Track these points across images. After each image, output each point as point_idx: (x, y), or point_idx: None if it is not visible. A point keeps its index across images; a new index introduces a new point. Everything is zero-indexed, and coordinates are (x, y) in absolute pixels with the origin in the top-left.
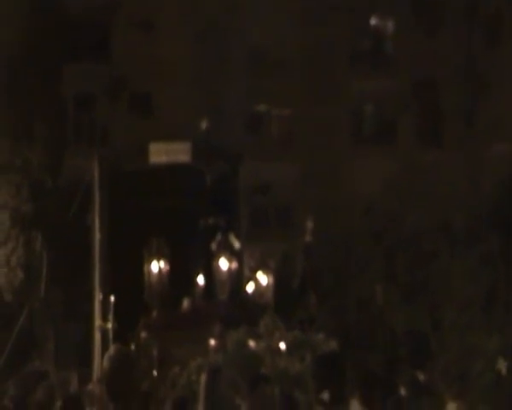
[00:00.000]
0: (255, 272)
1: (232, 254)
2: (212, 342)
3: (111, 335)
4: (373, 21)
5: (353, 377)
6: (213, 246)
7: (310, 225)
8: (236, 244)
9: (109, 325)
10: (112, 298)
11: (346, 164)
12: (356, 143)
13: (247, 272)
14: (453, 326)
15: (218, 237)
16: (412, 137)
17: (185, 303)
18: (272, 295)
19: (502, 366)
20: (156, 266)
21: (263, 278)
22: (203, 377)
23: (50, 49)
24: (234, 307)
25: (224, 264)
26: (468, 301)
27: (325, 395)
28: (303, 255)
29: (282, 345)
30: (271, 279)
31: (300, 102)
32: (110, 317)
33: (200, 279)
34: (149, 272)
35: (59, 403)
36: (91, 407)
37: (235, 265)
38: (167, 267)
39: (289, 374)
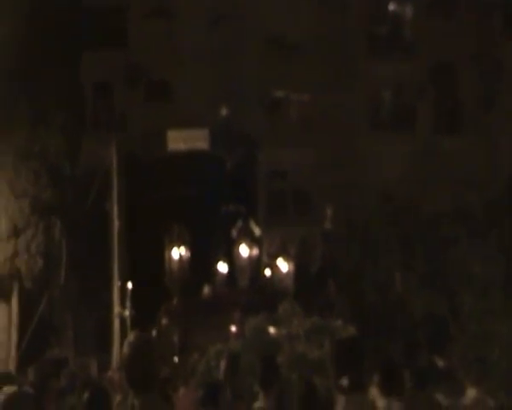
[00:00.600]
0: (275, 258)
1: (252, 240)
2: (233, 328)
3: (129, 321)
4: (391, 6)
5: (372, 363)
6: (234, 233)
7: (329, 212)
8: (257, 231)
9: (127, 312)
10: (129, 285)
11: (364, 149)
12: (374, 128)
13: (265, 259)
14: (471, 311)
15: (239, 223)
16: (430, 122)
17: (206, 290)
18: (292, 281)
19: None
20: (177, 252)
21: (283, 265)
22: (222, 363)
23: (68, 36)
24: (253, 293)
25: (244, 250)
26: (486, 286)
27: (344, 381)
28: (322, 242)
29: (301, 331)
30: (291, 266)
31: (318, 88)
32: (128, 304)
33: (221, 266)
34: (170, 258)
35: (85, 394)
36: (113, 393)
37: (255, 251)
38: (188, 254)
39: (308, 360)
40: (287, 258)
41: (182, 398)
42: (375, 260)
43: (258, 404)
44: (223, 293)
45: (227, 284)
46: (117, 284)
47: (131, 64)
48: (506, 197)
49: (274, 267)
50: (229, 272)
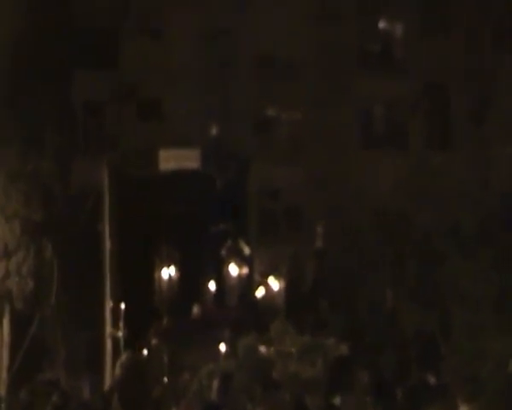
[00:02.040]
0: (266, 276)
1: (242, 259)
2: (223, 347)
3: (122, 342)
4: (381, 24)
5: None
6: (223, 252)
7: (320, 230)
8: (246, 250)
9: (120, 333)
10: (122, 305)
11: (356, 167)
12: (366, 145)
13: (256, 277)
14: (464, 328)
15: (228, 242)
16: (422, 138)
17: (195, 309)
18: (283, 299)
19: None
20: (166, 272)
21: (274, 283)
22: (215, 383)
23: (59, 56)
24: (244, 312)
25: (233, 270)
26: (478, 303)
27: (337, 400)
28: (314, 260)
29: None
30: (282, 284)
31: (310, 106)
32: (121, 324)
33: (211, 285)
34: (159, 278)
35: None
36: None
37: (245, 270)
38: (178, 274)
39: (300, 379)
40: (278, 276)
41: None
42: (368, 277)
43: None
44: (212, 312)
45: (217, 303)
46: (109, 304)
47: (122, 83)
48: (499, 213)
49: (265, 286)
50: (218, 291)
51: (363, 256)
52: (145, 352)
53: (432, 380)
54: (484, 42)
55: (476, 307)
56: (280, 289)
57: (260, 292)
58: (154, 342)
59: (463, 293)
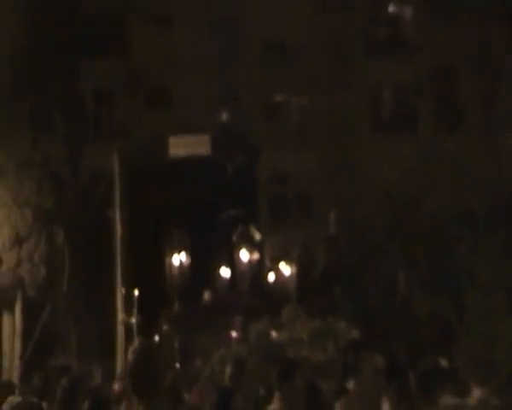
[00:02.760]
0: (277, 262)
1: (253, 245)
2: (234, 333)
3: (135, 329)
4: (390, 8)
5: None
6: (234, 238)
7: (332, 215)
8: (257, 236)
9: (133, 319)
10: (136, 292)
11: (366, 151)
12: (375, 130)
13: (267, 263)
14: (476, 312)
15: (239, 228)
16: (431, 123)
17: (206, 295)
18: (294, 285)
19: None
20: (177, 258)
21: (285, 269)
22: (228, 369)
23: (69, 45)
24: (255, 297)
25: (244, 255)
26: (490, 286)
27: (350, 384)
28: (326, 246)
29: (305, 335)
30: (294, 269)
31: (318, 90)
32: (134, 311)
33: (223, 271)
34: (170, 264)
35: (86, 403)
36: (118, 404)
37: (255, 256)
38: (188, 260)
39: (312, 363)
40: (289, 262)
41: (187, 403)
42: (379, 262)
43: (272, 407)
44: (223, 298)
45: (228, 288)
46: (120, 290)
47: (132, 71)
48: (510, 197)
49: (276, 271)
50: (229, 276)
51: (374, 242)
52: (156, 338)
53: (444, 364)
54: (493, 26)
55: (488, 290)
56: (291, 275)
57: (271, 277)
58: (165, 328)
59: (475, 277)
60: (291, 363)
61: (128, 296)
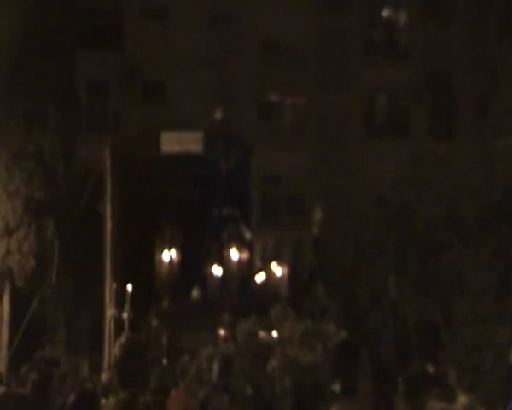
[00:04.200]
0: (269, 262)
1: (243, 244)
2: (221, 331)
3: (126, 323)
4: (386, 12)
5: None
6: (224, 236)
7: (317, 215)
8: (247, 234)
9: (125, 315)
10: (129, 288)
11: (358, 154)
12: (368, 133)
13: (259, 262)
14: (465, 318)
15: (230, 227)
16: (424, 127)
17: (195, 292)
18: (286, 285)
19: None
20: (167, 255)
21: (277, 269)
22: (215, 366)
23: (64, 36)
24: (244, 296)
25: (234, 254)
26: (479, 293)
27: (336, 386)
28: (312, 246)
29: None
30: (285, 270)
31: (313, 92)
32: (126, 306)
33: (215, 269)
34: (160, 260)
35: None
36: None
37: (245, 255)
38: (179, 256)
39: (300, 364)
40: (280, 262)
41: (173, 400)
42: (369, 265)
43: None
44: (212, 296)
45: (217, 286)
46: (110, 284)
47: (127, 65)
48: (501, 203)
49: (268, 271)
50: (219, 275)
51: (364, 244)
52: (145, 334)
53: (432, 369)
54: (488, 30)
55: (477, 297)
56: (282, 275)
57: (262, 277)
58: (154, 323)
59: (465, 283)
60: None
61: (119, 291)
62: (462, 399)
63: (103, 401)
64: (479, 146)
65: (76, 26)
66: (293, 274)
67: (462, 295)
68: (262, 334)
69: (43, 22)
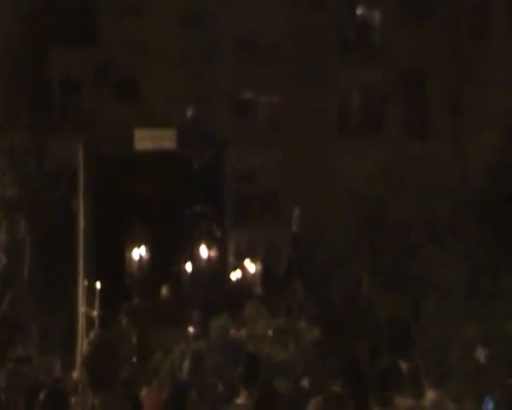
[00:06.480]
0: (242, 259)
1: (213, 241)
2: (191, 329)
3: (97, 322)
4: (359, 11)
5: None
6: (195, 234)
7: (296, 214)
8: (217, 232)
9: (95, 312)
10: (98, 285)
11: (333, 153)
12: (342, 132)
13: (232, 259)
14: (434, 315)
15: (201, 224)
16: (398, 126)
17: (165, 290)
18: (259, 282)
19: (480, 354)
20: (137, 253)
21: (251, 266)
22: (186, 364)
23: (36, 33)
24: (214, 294)
25: (203, 251)
26: (449, 291)
27: (305, 382)
28: (289, 244)
29: (270, 332)
30: (259, 267)
31: (287, 90)
32: (96, 304)
33: (188, 267)
34: (130, 258)
35: (41, 395)
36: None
37: (215, 252)
38: (149, 254)
39: (273, 362)
40: (254, 259)
41: (145, 398)
42: (342, 263)
43: (239, 401)
44: (182, 293)
45: (188, 284)
46: (83, 282)
47: (100, 62)
48: (473, 202)
49: (241, 268)
50: (190, 272)
51: (339, 242)
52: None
53: (403, 365)
54: (461, 29)
55: (447, 294)
56: (256, 272)
57: (235, 275)
58: (123, 321)
59: (435, 281)
60: (253, 359)
61: (90, 289)
62: (431, 394)
63: (73, 399)
64: (453, 145)
65: (49, 23)
66: (267, 271)
67: (431, 292)
68: (233, 331)
69: (17, 19)
